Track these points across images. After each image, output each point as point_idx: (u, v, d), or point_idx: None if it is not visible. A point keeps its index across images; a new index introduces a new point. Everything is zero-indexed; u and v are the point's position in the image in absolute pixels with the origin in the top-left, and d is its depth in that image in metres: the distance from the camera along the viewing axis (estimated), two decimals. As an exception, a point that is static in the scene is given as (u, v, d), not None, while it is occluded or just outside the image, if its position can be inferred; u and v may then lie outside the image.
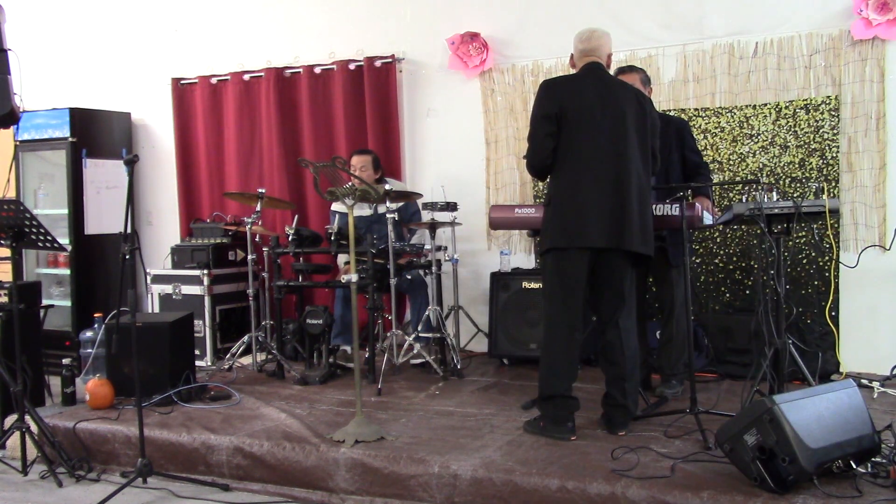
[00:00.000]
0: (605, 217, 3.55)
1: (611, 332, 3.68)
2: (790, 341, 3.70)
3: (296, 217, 5.60)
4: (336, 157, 3.82)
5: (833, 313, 4.72)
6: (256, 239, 5.68)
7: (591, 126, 3.58)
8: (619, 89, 3.71)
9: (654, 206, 3.91)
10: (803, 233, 4.74)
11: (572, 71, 3.84)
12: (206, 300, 5.69)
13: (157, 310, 5.82)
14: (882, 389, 4.28)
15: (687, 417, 3.62)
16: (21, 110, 4.02)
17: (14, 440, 3.99)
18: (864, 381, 4.36)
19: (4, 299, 4.31)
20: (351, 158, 5.42)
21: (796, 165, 4.90)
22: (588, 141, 3.58)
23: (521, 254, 5.67)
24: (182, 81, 6.54)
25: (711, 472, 3.08)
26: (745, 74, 5.00)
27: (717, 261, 5.10)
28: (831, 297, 4.67)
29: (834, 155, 4.81)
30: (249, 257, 5.31)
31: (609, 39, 3.80)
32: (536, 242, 4.42)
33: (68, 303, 6.21)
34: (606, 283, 3.68)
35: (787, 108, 4.91)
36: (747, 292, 5.00)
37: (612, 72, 3.90)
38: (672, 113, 5.09)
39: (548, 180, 3.77)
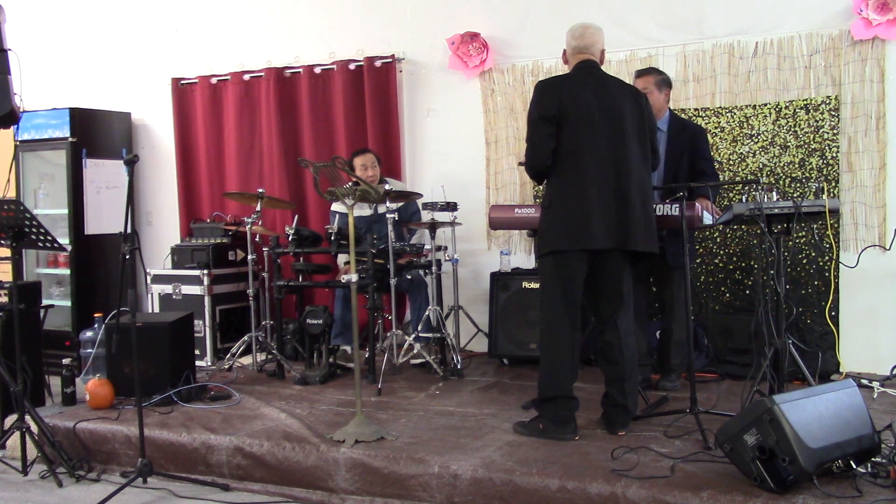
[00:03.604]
0: (607, 218, 3.53)
1: (609, 332, 3.67)
2: (790, 341, 3.69)
3: (296, 217, 5.60)
4: (336, 157, 3.82)
5: (833, 313, 4.72)
6: (256, 239, 5.68)
7: (590, 126, 3.56)
8: (616, 87, 3.69)
9: (654, 206, 3.91)
10: (803, 233, 4.74)
11: (565, 67, 3.81)
12: (206, 300, 5.69)
13: (157, 310, 5.82)
14: (882, 389, 4.28)
15: (687, 417, 3.62)
16: (21, 110, 4.02)
17: (14, 440, 3.99)
18: (864, 381, 4.36)
19: (4, 299, 4.32)
20: (354, 158, 5.42)
21: (796, 165, 4.90)
22: (587, 141, 3.56)
23: (521, 254, 5.67)
24: (182, 81, 6.54)
25: (711, 472, 3.08)
26: (745, 74, 5.00)
27: (717, 261, 5.10)
28: (831, 297, 4.67)
29: (834, 155, 4.81)
30: (249, 257, 5.31)
31: (602, 35, 3.79)
32: (536, 243, 4.41)
33: (68, 303, 6.21)
34: (605, 283, 3.67)
35: (787, 108, 4.91)
36: (747, 292, 5.00)
37: (614, 69, 3.89)
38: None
39: (545, 183, 3.75)
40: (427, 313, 5.03)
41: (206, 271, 5.70)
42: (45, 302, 4.78)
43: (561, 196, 3.61)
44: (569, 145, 3.57)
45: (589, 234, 3.53)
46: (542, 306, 3.76)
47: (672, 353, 4.45)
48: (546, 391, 3.64)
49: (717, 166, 5.06)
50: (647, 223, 3.62)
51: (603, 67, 3.75)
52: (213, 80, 6.44)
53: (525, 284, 5.18)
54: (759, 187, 3.81)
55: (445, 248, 5.24)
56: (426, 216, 5.30)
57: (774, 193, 3.82)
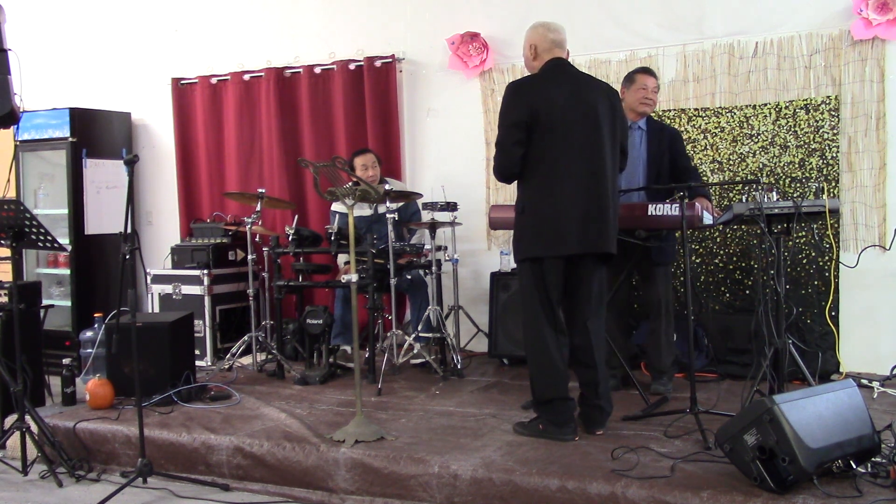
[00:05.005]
0: (581, 222, 3.49)
1: (579, 335, 3.63)
2: (790, 341, 3.69)
3: (296, 217, 5.60)
4: (336, 157, 3.82)
5: (833, 313, 4.72)
6: (256, 239, 5.68)
7: (564, 129, 3.49)
8: (591, 86, 3.62)
9: (653, 206, 3.91)
10: (803, 233, 4.74)
11: (534, 62, 3.69)
12: (206, 300, 5.69)
13: (157, 310, 5.81)
14: (882, 389, 4.28)
15: (687, 417, 3.62)
16: (21, 110, 4.02)
17: (14, 440, 3.99)
18: (864, 381, 4.36)
19: (4, 299, 4.32)
20: (355, 158, 5.42)
21: (796, 165, 4.90)
22: (561, 144, 3.49)
23: (521, 254, 5.66)
24: (182, 81, 6.54)
25: (711, 472, 3.08)
26: (745, 74, 5.00)
27: (717, 261, 5.10)
28: (831, 297, 4.67)
29: (834, 155, 4.81)
30: (249, 257, 5.31)
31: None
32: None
33: (68, 303, 6.21)
34: (578, 286, 3.62)
35: (787, 108, 4.91)
36: (747, 292, 5.00)
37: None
38: (672, 113, 5.11)
39: (517, 185, 3.67)
40: (427, 313, 5.03)
41: (206, 271, 5.70)
42: (45, 302, 4.78)
43: (534, 201, 3.56)
44: (542, 148, 3.50)
45: (563, 241, 3.50)
46: (523, 312, 3.71)
47: (663, 354, 4.37)
48: (541, 395, 3.62)
49: (717, 166, 5.07)
50: (616, 225, 3.62)
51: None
52: (213, 80, 6.44)
53: (525, 284, 5.17)
54: (759, 187, 3.81)
55: (445, 248, 5.24)
56: (426, 216, 5.30)
57: (774, 193, 3.83)
